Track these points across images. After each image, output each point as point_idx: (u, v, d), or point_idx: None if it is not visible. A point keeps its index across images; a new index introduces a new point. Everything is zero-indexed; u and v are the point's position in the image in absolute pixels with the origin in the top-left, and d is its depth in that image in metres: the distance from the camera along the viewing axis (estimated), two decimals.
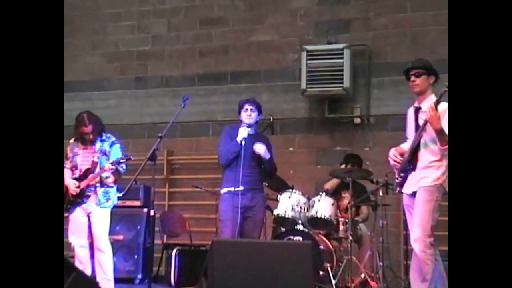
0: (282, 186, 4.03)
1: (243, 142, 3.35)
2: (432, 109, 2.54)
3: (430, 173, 2.67)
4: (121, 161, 3.44)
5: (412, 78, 2.73)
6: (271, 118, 4.12)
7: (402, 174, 2.76)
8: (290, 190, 3.88)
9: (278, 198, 3.87)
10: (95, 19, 5.56)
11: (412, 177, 2.72)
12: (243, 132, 3.38)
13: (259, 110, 3.51)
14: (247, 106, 3.45)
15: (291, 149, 4.99)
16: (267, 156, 3.42)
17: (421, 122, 2.69)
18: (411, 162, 2.71)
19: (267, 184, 3.82)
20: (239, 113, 3.50)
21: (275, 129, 4.46)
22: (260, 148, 3.39)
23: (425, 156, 2.69)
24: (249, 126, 3.42)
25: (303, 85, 4.71)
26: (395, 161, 2.79)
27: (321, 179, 4.51)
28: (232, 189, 3.36)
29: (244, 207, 3.31)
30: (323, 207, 3.83)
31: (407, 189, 2.76)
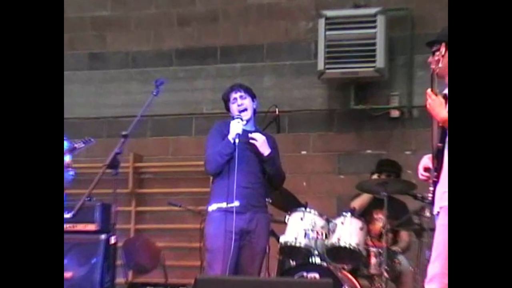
0: (291, 204, 4.18)
1: (236, 140, 3.45)
2: (431, 93, 2.53)
3: None
4: (77, 146, 3.58)
5: (437, 54, 2.63)
6: (276, 110, 4.23)
7: (431, 189, 2.70)
8: (303, 209, 4.03)
9: (286, 220, 4.00)
10: None
11: (437, 191, 2.67)
12: (235, 127, 3.47)
13: (252, 95, 3.65)
14: (234, 95, 3.59)
15: (303, 152, 5.19)
16: (266, 151, 3.52)
17: None
18: (437, 170, 2.66)
19: (270, 201, 3.96)
20: (227, 108, 3.66)
21: (282, 125, 4.54)
22: (257, 136, 3.52)
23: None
24: (243, 120, 3.56)
25: (321, 65, 4.90)
26: (423, 174, 2.79)
27: (345, 194, 4.73)
28: (223, 205, 3.46)
29: (240, 231, 3.43)
30: (348, 232, 3.95)
31: (435, 208, 2.71)
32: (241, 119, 3.51)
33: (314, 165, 5.13)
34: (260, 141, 3.50)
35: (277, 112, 4.09)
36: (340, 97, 5.14)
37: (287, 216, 3.99)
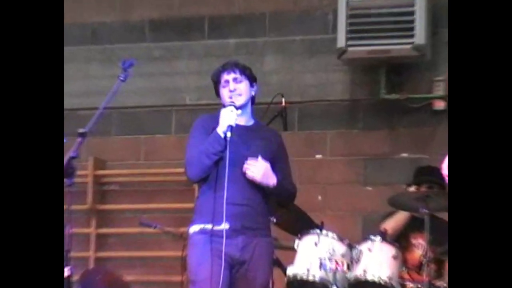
0: (302, 224, 4.16)
1: (228, 135, 3.34)
2: None
3: None
4: None
5: None
6: (283, 101, 4.25)
7: None
8: (318, 231, 3.99)
9: (295, 246, 3.98)
10: None
11: None
12: (227, 117, 3.37)
13: (250, 77, 3.55)
14: (226, 77, 3.49)
15: (318, 156, 5.14)
16: (271, 181, 3.47)
17: None
18: None
19: (275, 220, 3.95)
20: (217, 92, 3.58)
21: (290, 120, 4.51)
22: (254, 171, 3.46)
23: None
24: (237, 108, 3.44)
25: (341, 41, 4.86)
26: None
27: (373, 211, 4.70)
28: (209, 226, 3.41)
29: (231, 261, 3.39)
30: (378, 262, 3.91)
31: None
32: (235, 107, 3.40)
33: (333, 173, 5.15)
34: (260, 172, 3.46)
35: (283, 103, 4.18)
36: (367, 84, 5.14)
37: (296, 241, 3.99)
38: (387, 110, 5.09)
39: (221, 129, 3.39)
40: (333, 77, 5.17)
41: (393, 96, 5.04)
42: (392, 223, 4.31)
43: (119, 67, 3.42)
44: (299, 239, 3.96)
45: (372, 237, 3.95)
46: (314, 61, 5.18)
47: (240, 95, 3.51)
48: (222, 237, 3.37)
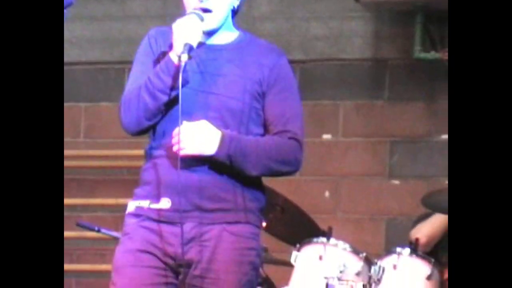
0: (303, 230, 4.37)
1: (184, 59, 3.09)
2: None
3: None
4: None
5: None
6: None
7: None
8: (324, 239, 4.16)
9: (293, 260, 4.14)
10: None
11: None
12: (186, 29, 3.14)
13: None
14: None
15: (327, 136, 5.23)
16: (210, 149, 3.15)
17: None
18: None
19: (265, 224, 3.90)
20: None
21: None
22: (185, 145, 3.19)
23: None
24: (204, 10, 3.17)
25: None
26: None
27: (401, 213, 4.83)
28: (145, 204, 3.21)
29: (172, 260, 3.16)
30: (407, 283, 4.15)
31: None
32: (200, 17, 3.15)
33: (347, 160, 5.23)
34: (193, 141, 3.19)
35: None
36: (395, 37, 5.25)
37: (294, 253, 4.16)
38: (424, 74, 5.16)
39: (175, 52, 3.13)
40: (349, 26, 5.27)
41: (432, 55, 5.14)
42: (427, 230, 4.47)
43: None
44: (298, 250, 4.08)
45: (399, 249, 4.08)
46: (324, 4, 5.25)
47: (210, 11, 3.21)
48: (159, 221, 3.17)
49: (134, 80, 3.30)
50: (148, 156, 3.31)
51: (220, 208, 3.17)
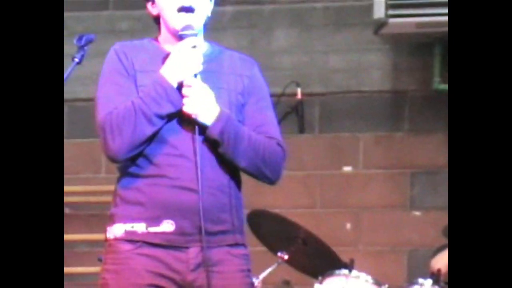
0: (324, 262, 4.40)
1: (189, 84, 3.04)
2: None
3: None
4: None
5: None
6: (298, 91, 4.45)
7: None
8: (345, 271, 4.22)
9: None
10: None
11: None
12: (189, 57, 3.06)
13: None
14: None
15: (347, 169, 5.28)
16: (209, 119, 3.04)
17: None
18: None
19: (287, 255, 4.23)
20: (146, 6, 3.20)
21: (309, 119, 4.72)
22: (192, 103, 3.03)
23: None
24: (187, 10, 3.09)
25: (379, 10, 5.03)
26: None
27: (422, 244, 4.90)
28: (140, 228, 3.06)
29: (183, 283, 3.03)
30: None
31: None
32: (191, 30, 3.09)
33: (368, 192, 5.28)
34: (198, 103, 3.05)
35: (299, 95, 4.43)
36: (414, 68, 5.31)
37: (317, 285, 4.22)
38: (443, 105, 5.01)
39: (175, 77, 3.03)
40: (368, 59, 5.32)
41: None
42: (446, 261, 4.39)
43: (73, 44, 3.42)
44: (320, 282, 4.15)
45: (421, 280, 4.15)
46: (342, 36, 5.31)
47: (191, 10, 3.09)
48: (161, 246, 2.99)
49: (111, 100, 3.15)
50: (132, 174, 3.15)
51: (221, 230, 3.09)
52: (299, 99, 4.36)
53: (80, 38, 3.46)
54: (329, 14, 5.49)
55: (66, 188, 5.61)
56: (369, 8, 5.10)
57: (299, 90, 4.37)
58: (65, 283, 5.46)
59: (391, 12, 5.00)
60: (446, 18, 4.81)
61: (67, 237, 5.83)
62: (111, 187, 5.24)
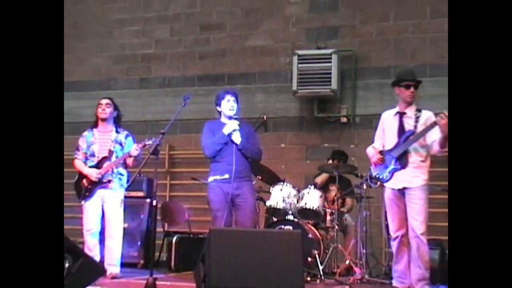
0: (274, 180, 7.36)
1: (234, 133, 5.82)
2: (445, 115, 4.97)
3: (420, 173, 5.50)
4: (146, 143, 6.21)
5: (412, 89, 5.43)
6: (265, 116, 7.12)
7: (387, 171, 5.45)
8: (282, 183, 7.15)
9: (270, 191, 7.20)
10: (102, 25, 9.92)
11: (401, 174, 5.47)
12: (233, 125, 5.88)
13: (237, 100, 6.06)
14: (228, 97, 6.05)
15: (282, 145, 8.66)
16: (238, 140, 5.83)
17: (407, 127, 5.44)
18: (400, 161, 5.34)
19: (260, 178, 7.15)
20: (219, 104, 6.10)
21: (269, 127, 7.45)
22: (230, 127, 5.71)
23: (415, 157, 5.45)
24: (231, 118, 5.91)
25: (294, 87, 8.70)
26: (379, 158, 5.55)
27: (310, 173, 8.11)
28: (218, 177, 5.86)
29: (230, 195, 5.79)
30: (312, 199, 7.09)
31: (395, 184, 5.48)
32: (238, 122, 5.78)
33: (290, 154, 8.64)
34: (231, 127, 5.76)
35: (265, 118, 7.13)
36: (307, 108, 8.79)
37: (271, 188, 7.26)
38: (318, 122, 8.47)
39: (227, 131, 5.63)
40: (290, 105, 8.70)
41: (321, 115, 8.53)
42: (320, 179, 7.75)
43: (181, 99, 5.76)
44: (272, 187, 7.07)
45: (309, 186, 7.13)
46: (281, 97, 8.79)
47: (233, 108, 5.82)
48: (225, 182, 5.59)
49: (207, 139, 5.81)
50: (214, 161, 5.93)
51: (243, 176, 6.13)
52: (265, 120, 6.84)
53: (184, 96, 5.71)
54: (276, 88, 9.05)
55: (179, 152, 9.34)
56: (291, 86, 8.54)
57: (265, 116, 6.97)
58: (177, 188, 9.42)
59: (299, 87, 8.43)
60: (318, 90, 8.42)
61: (179, 170, 9.33)
62: (195, 152, 8.88)
